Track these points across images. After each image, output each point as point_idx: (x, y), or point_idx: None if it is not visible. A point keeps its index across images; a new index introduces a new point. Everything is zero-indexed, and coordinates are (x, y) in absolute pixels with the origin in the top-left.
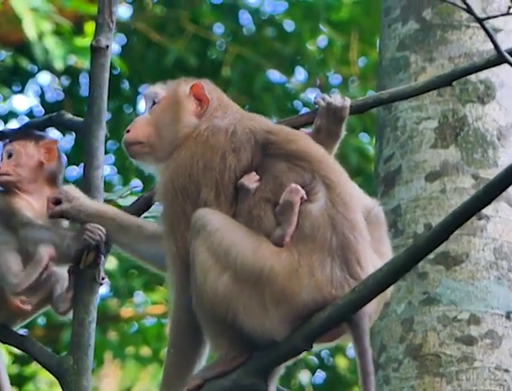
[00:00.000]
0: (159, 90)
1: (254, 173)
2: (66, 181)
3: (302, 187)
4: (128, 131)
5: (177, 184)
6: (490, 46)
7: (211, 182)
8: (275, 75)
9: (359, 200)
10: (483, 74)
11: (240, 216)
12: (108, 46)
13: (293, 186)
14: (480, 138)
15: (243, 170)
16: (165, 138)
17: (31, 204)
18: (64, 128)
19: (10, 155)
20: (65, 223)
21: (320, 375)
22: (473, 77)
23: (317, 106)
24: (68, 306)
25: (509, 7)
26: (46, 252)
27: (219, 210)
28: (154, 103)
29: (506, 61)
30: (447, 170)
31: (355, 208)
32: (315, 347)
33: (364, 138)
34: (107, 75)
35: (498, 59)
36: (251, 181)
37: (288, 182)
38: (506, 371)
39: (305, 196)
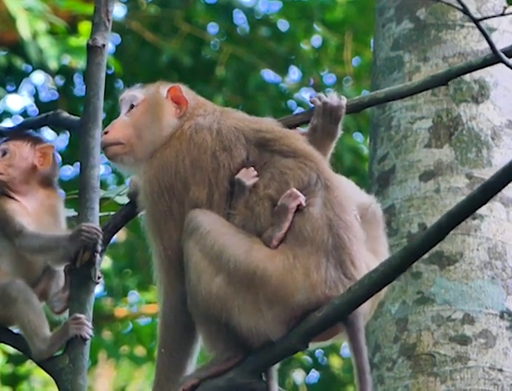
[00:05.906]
0: (137, 93)
1: (252, 169)
2: (61, 181)
3: (307, 187)
4: (106, 132)
5: (162, 183)
6: (484, 45)
7: (203, 181)
8: (269, 74)
9: (353, 201)
10: (477, 74)
11: (236, 212)
12: (104, 45)
13: (293, 190)
14: (474, 137)
15: (238, 168)
16: (145, 139)
17: (24, 207)
18: (61, 127)
19: (4, 154)
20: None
21: (314, 374)
22: (467, 77)
23: (313, 105)
24: (63, 305)
25: (505, 8)
26: (72, 324)
27: (212, 208)
28: (132, 107)
29: (502, 61)
30: (441, 170)
31: (349, 209)
32: (310, 346)
33: (358, 137)
34: (103, 74)
35: (494, 58)
36: (249, 177)
37: (294, 180)
38: (500, 370)
39: (303, 203)
